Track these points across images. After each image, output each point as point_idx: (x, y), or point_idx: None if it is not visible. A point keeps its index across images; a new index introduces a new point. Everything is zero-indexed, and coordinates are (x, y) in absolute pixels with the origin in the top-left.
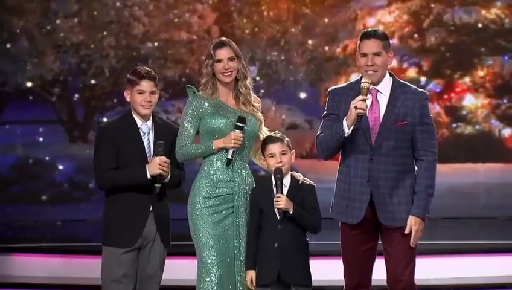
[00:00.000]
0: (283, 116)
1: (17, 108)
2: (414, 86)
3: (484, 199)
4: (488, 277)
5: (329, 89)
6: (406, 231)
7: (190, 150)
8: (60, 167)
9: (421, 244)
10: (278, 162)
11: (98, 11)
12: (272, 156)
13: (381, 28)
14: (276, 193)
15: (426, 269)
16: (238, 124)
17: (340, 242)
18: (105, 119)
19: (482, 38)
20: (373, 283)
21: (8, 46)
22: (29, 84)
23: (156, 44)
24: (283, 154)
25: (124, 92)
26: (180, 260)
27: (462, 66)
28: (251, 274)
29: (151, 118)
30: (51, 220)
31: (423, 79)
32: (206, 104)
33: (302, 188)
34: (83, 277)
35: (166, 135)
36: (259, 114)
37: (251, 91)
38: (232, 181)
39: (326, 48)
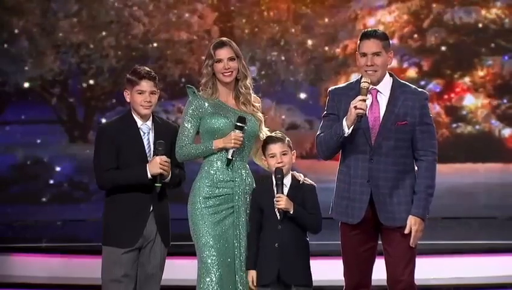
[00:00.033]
0: (283, 116)
1: (17, 108)
2: (414, 86)
3: (484, 199)
4: (488, 277)
5: (329, 89)
6: (406, 231)
7: (190, 150)
8: (60, 167)
9: (421, 244)
10: (278, 162)
11: (98, 11)
12: (272, 156)
13: (381, 28)
14: (277, 192)
15: (426, 269)
16: (238, 124)
17: (340, 242)
18: (104, 120)
19: (482, 38)
20: (373, 283)
21: (8, 46)
22: (29, 84)
23: (156, 44)
24: (284, 154)
25: (124, 92)
26: (180, 260)
27: (462, 66)
28: (252, 274)
29: (151, 117)
30: (51, 220)
31: (423, 79)
32: (206, 104)
33: (303, 188)
34: (83, 277)
35: (166, 135)
36: (260, 114)
37: (251, 91)
38: (232, 181)
39: (326, 48)
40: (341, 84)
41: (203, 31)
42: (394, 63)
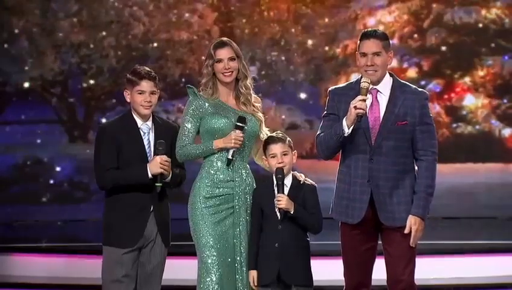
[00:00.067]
0: (283, 116)
1: (17, 108)
2: (414, 86)
3: (484, 199)
4: (488, 277)
5: (329, 89)
6: (406, 231)
7: (190, 150)
8: (60, 167)
9: (421, 244)
10: (279, 163)
11: (98, 11)
12: (273, 157)
13: (381, 28)
14: (278, 193)
15: (426, 269)
16: (238, 124)
17: (340, 242)
18: (104, 120)
19: (482, 38)
20: (373, 283)
21: (8, 46)
22: (29, 84)
23: (156, 44)
24: (284, 154)
25: (124, 92)
26: (180, 260)
27: (462, 66)
28: (253, 274)
29: (151, 117)
30: (51, 220)
31: (423, 79)
32: (207, 104)
33: (304, 188)
34: (83, 277)
35: (166, 135)
36: (260, 114)
37: (251, 91)
38: (232, 181)
39: (326, 48)
40: (341, 84)
41: (203, 31)
42: (394, 63)
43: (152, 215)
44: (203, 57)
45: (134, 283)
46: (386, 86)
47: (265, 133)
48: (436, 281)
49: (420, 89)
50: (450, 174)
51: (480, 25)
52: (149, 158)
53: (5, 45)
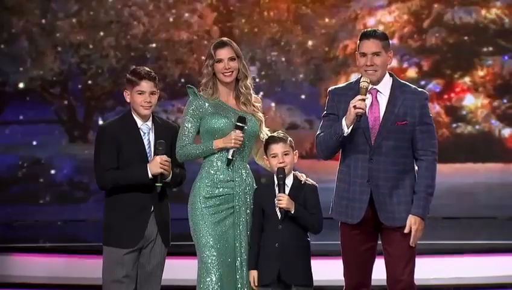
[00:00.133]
0: (283, 116)
1: (17, 108)
2: (414, 86)
3: (484, 199)
4: (488, 277)
5: (329, 89)
6: (406, 231)
7: (190, 150)
8: (60, 167)
9: (421, 244)
10: (280, 163)
11: (98, 11)
12: (274, 156)
13: (381, 28)
14: (279, 192)
15: (426, 269)
16: (238, 124)
17: (340, 242)
18: (104, 120)
19: (482, 38)
20: (373, 283)
21: (8, 46)
22: (29, 84)
23: (155, 44)
24: (285, 154)
25: (124, 92)
26: (180, 260)
27: (462, 66)
28: (253, 274)
29: (151, 118)
30: (51, 220)
31: (423, 79)
32: (207, 104)
33: (304, 188)
34: (83, 277)
35: (166, 135)
36: (260, 114)
37: (251, 91)
38: (232, 181)
39: (326, 48)
40: (341, 84)
41: (203, 31)
42: (394, 63)
43: (152, 215)
44: (203, 57)
45: (135, 283)
46: (385, 86)
47: (265, 133)
48: (436, 281)
49: (420, 89)
50: (450, 174)
51: (480, 25)
52: (149, 158)
53: (5, 45)
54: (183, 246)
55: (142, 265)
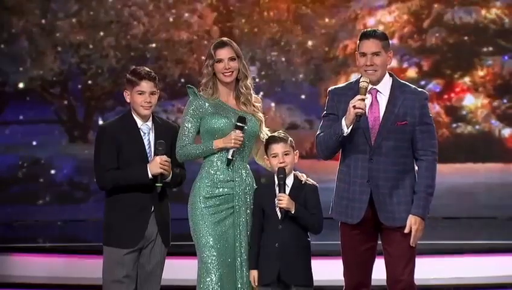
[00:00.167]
0: (283, 116)
1: (17, 108)
2: (414, 86)
3: (484, 199)
4: (488, 277)
5: (329, 89)
6: (406, 231)
7: (190, 150)
8: (60, 167)
9: (421, 244)
10: (280, 162)
11: (97, 11)
12: (274, 156)
13: (381, 28)
14: (279, 192)
15: (426, 269)
16: (238, 124)
17: (340, 242)
18: (104, 120)
19: (482, 38)
20: (373, 283)
21: (8, 46)
22: (29, 84)
23: (155, 44)
24: (286, 154)
25: (124, 93)
26: (180, 260)
27: (462, 66)
28: (253, 274)
29: (151, 118)
30: (51, 220)
31: (423, 79)
32: (207, 104)
33: (305, 188)
34: (83, 277)
35: (166, 135)
36: (260, 114)
37: (252, 91)
38: (232, 181)
39: (326, 48)
40: (341, 84)
41: (203, 31)
42: (394, 63)
43: (153, 215)
44: (203, 57)
45: (135, 284)
46: (385, 86)
47: (265, 133)
48: (436, 281)
49: (420, 89)
50: (450, 174)
51: (480, 25)
52: (149, 158)
53: (5, 45)
54: (183, 246)
55: (142, 265)
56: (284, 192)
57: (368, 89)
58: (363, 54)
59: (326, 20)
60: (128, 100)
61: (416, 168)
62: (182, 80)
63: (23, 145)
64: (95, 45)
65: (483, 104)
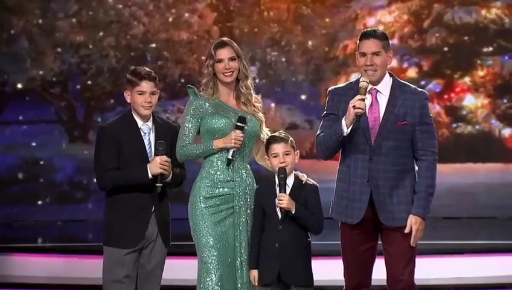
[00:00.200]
0: (283, 116)
1: (17, 108)
2: (414, 86)
3: (484, 199)
4: (488, 277)
5: (329, 89)
6: (406, 231)
7: (191, 150)
8: (60, 167)
9: (421, 244)
10: (281, 162)
11: (98, 11)
12: (275, 156)
13: (381, 28)
14: (280, 192)
15: (426, 269)
16: (239, 124)
17: (340, 242)
18: (104, 120)
19: (482, 38)
20: (373, 283)
21: (8, 46)
22: (29, 84)
23: (155, 44)
24: (286, 154)
25: (124, 93)
26: (180, 260)
27: (462, 66)
28: (254, 274)
29: (151, 118)
30: (51, 220)
31: (423, 79)
32: (207, 104)
33: (305, 188)
34: (83, 277)
35: (166, 135)
36: (260, 114)
37: (252, 91)
38: (233, 181)
39: (326, 48)
40: (341, 84)
41: (203, 31)
42: (394, 63)
43: (153, 215)
44: (203, 57)
45: (135, 284)
46: (385, 86)
47: (265, 133)
48: (436, 281)
49: (420, 89)
50: (450, 174)
51: (480, 25)
52: (150, 158)
53: (5, 45)
54: (183, 246)
55: (142, 265)
56: (285, 192)
57: (368, 89)
58: (363, 54)
59: (326, 20)
60: (128, 100)
61: (416, 168)
62: (182, 80)
63: (23, 145)
64: (95, 45)
65: (483, 104)
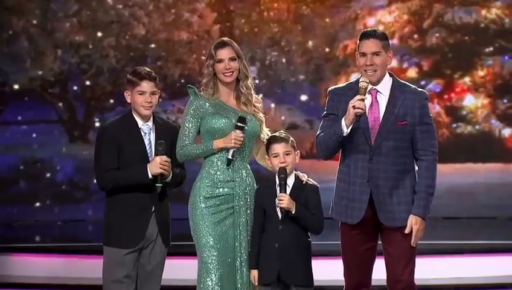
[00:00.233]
0: (283, 117)
1: (17, 108)
2: (414, 86)
3: (484, 199)
4: (488, 277)
5: (329, 89)
6: (407, 231)
7: (191, 150)
8: (60, 167)
9: (421, 244)
10: (281, 162)
11: (98, 11)
12: (275, 156)
13: (381, 28)
14: (280, 192)
15: (426, 269)
16: (239, 124)
17: (340, 242)
18: (104, 120)
19: (482, 38)
20: (373, 283)
21: (8, 46)
22: (29, 84)
23: (155, 44)
24: (287, 154)
25: (124, 93)
26: (180, 260)
27: (462, 66)
28: (254, 273)
29: (151, 118)
30: (51, 220)
31: (423, 79)
32: (207, 104)
33: (306, 188)
34: (83, 277)
35: (167, 135)
36: (261, 114)
37: (252, 91)
38: (233, 181)
39: (327, 48)
40: (341, 84)
41: (203, 31)
42: (394, 63)
43: (153, 215)
44: (203, 57)
45: (135, 284)
46: (385, 86)
47: (265, 133)
48: (436, 281)
49: (420, 89)
50: (450, 174)
51: (481, 25)
52: (150, 158)
53: (5, 45)
54: (183, 246)
55: (142, 265)
56: (285, 192)
57: (368, 89)
58: (363, 54)
59: (327, 20)
60: (128, 100)
61: (416, 168)
62: (182, 80)
63: (23, 145)
64: (95, 45)
65: (483, 104)
